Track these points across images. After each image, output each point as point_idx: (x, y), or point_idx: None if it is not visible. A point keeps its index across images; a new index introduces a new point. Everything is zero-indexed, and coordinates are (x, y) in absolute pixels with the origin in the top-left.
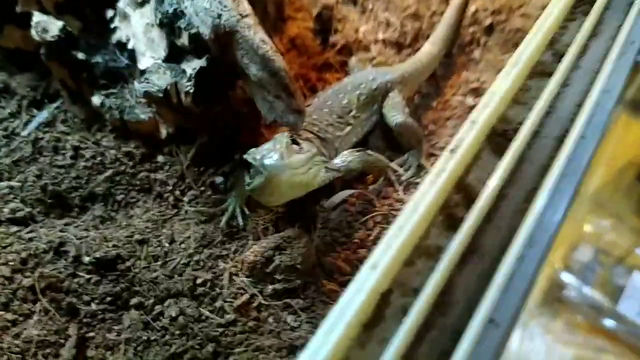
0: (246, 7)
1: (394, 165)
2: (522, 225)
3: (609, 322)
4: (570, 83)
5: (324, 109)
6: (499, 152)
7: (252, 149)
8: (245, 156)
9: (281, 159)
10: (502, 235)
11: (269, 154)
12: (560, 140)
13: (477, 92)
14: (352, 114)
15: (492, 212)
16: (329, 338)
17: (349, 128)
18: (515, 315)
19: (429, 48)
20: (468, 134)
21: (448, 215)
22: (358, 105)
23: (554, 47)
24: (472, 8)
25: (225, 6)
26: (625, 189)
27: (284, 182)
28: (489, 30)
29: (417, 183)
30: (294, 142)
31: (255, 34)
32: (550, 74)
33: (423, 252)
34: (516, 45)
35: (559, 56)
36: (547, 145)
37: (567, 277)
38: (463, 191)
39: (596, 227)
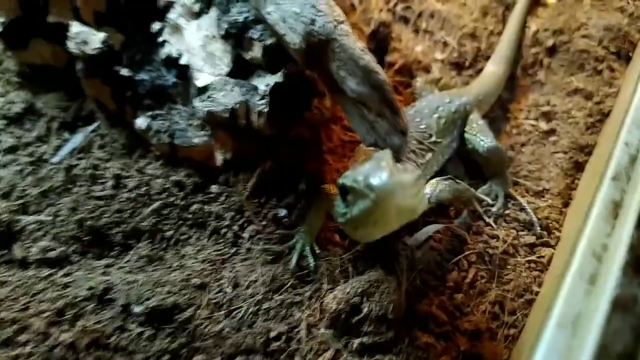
0: (340, 13)
1: (481, 195)
2: None
3: None
4: None
5: None
6: None
7: (347, 172)
8: (341, 180)
9: (391, 178)
10: None
11: (375, 173)
12: None
13: (549, 116)
14: (432, 139)
15: None
16: None
17: (430, 155)
18: None
19: (493, 69)
20: (626, 159)
21: (637, 259)
22: (438, 130)
23: None
24: (532, 28)
25: (319, 11)
26: None
27: (394, 206)
28: (552, 51)
29: (508, 215)
30: (397, 160)
31: (354, 42)
32: None
33: (618, 306)
34: (582, 67)
35: None
36: None
37: None
38: None
39: None
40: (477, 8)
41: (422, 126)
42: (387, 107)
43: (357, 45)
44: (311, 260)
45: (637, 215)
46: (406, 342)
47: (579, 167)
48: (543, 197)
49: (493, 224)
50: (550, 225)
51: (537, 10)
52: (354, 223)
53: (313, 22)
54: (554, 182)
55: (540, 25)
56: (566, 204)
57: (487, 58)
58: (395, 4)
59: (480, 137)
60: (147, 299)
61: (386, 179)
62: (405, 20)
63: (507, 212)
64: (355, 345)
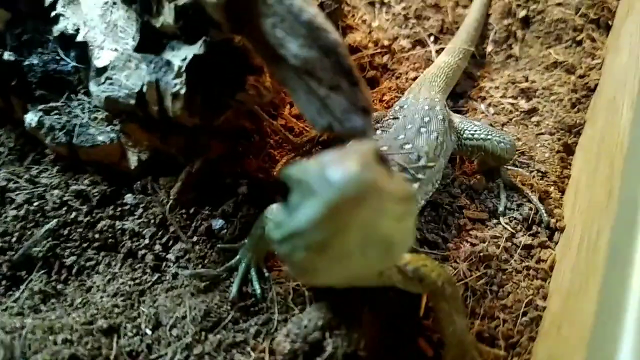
0: None
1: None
2: None
3: None
4: None
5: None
6: None
7: (294, 165)
8: (285, 172)
9: (368, 171)
10: None
11: (342, 161)
12: None
13: (528, 94)
14: (420, 162)
15: None
16: None
17: (424, 175)
18: None
19: (446, 59)
20: None
21: None
22: (429, 149)
23: None
24: None
25: None
26: None
27: (367, 222)
28: (526, 22)
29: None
30: (382, 158)
31: None
32: None
33: None
34: (559, 38)
35: None
36: None
37: None
38: None
39: None
40: None
41: (408, 147)
42: (343, 77)
43: None
44: (257, 286)
45: None
46: None
47: (569, 149)
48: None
49: (508, 227)
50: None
51: None
52: (294, 245)
53: None
54: (549, 166)
55: None
56: (563, 191)
57: (453, 33)
58: None
59: (494, 137)
60: (35, 352)
61: (358, 171)
62: None
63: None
64: None
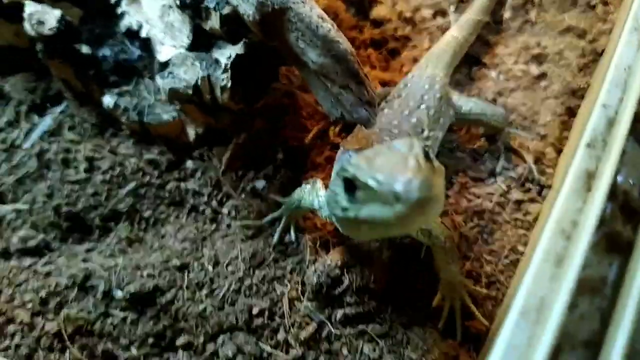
0: None
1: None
2: None
3: None
4: None
5: (393, 130)
6: None
7: (356, 160)
8: (351, 171)
9: (425, 186)
10: None
11: (403, 175)
12: None
13: (540, 59)
14: (425, 134)
15: None
16: None
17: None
18: None
19: (455, 33)
20: (603, 123)
21: (607, 236)
22: (429, 122)
23: None
24: None
25: None
26: None
27: (422, 217)
28: None
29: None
30: (426, 154)
31: (311, 9)
32: None
33: (586, 287)
34: (574, 2)
35: None
36: None
37: None
38: (618, 199)
39: None
40: None
41: (413, 120)
42: (351, 79)
43: (314, 13)
44: (293, 235)
45: (610, 186)
46: (389, 311)
47: (572, 112)
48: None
49: (502, 185)
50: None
51: None
52: (357, 223)
53: None
54: (550, 129)
55: None
56: (560, 152)
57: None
58: None
59: (489, 112)
60: (128, 284)
61: (419, 188)
62: None
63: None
64: (338, 317)
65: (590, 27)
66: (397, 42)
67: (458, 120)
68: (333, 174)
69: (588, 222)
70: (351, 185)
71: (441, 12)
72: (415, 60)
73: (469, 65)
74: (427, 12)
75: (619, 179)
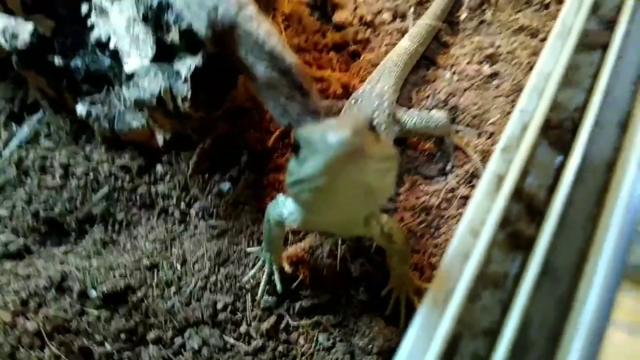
0: None
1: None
2: (597, 237)
3: None
4: (623, 55)
5: None
6: (558, 147)
7: (306, 127)
8: (297, 133)
9: (358, 136)
10: (575, 248)
11: (340, 126)
12: (624, 127)
13: (493, 59)
14: None
15: (561, 224)
16: None
17: None
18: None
19: (407, 44)
20: (519, 128)
21: (511, 234)
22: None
23: (599, 13)
24: None
25: None
26: None
27: (355, 175)
28: None
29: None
30: (372, 127)
31: (258, 26)
32: (599, 46)
33: (489, 282)
34: (529, 1)
35: (606, 23)
36: (608, 134)
37: None
38: (523, 201)
39: None
40: None
41: None
42: (296, 91)
43: (262, 30)
44: (279, 285)
45: (516, 189)
46: (343, 302)
47: None
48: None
49: (451, 182)
50: None
51: None
52: (302, 190)
53: (215, 9)
54: (497, 127)
55: None
56: None
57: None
58: None
59: (432, 123)
60: (102, 283)
61: (351, 134)
62: None
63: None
64: (296, 309)
65: (543, 25)
66: (357, 45)
67: (404, 134)
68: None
69: (493, 221)
70: (296, 148)
71: (400, 15)
72: (373, 63)
73: (425, 66)
74: (386, 15)
75: (528, 181)
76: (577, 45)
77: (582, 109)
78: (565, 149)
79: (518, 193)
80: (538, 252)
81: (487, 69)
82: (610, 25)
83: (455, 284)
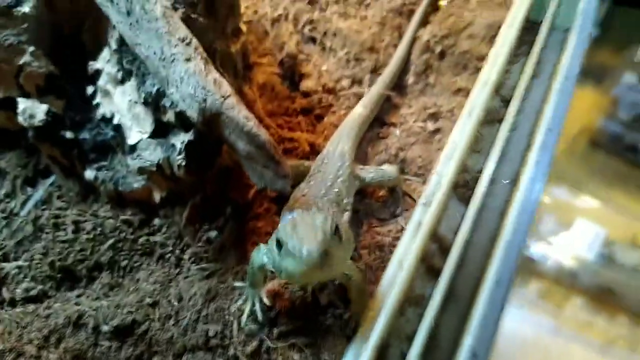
0: (227, 88)
1: None
2: (490, 268)
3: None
4: (517, 127)
5: (324, 197)
6: (464, 201)
7: (284, 224)
8: (279, 234)
9: (322, 252)
10: (474, 276)
11: (309, 242)
12: (514, 183)
13: (435, 117)
14: (344, 200)
15: (464, 258)
16: None
17: (347, 214)
18: (491, 346)
19: (360, 111)
20: (436, 189)
21: (428, 266)
22: (347, 192)
23: (501, 93)
24: (424, 38)
25: (208, 91)
26: (580, 156)
27: (322, 274)
28: (441, 55)
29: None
30: (336, 228)
31: (239, 112)
32: (499, 120)
33: (412, 301)
34: (465, 67)
35: (506, 101)
36: (503, 190)
37: (534, 248)
38: (438, 241)
39: (553, 196)
40: (375, 22)
41: (336, 190)
42: (270, 161)
43: (241, 115)
44: (260, 315)
45: (430, 232)
46: (313, 326)
47: None
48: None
49: (400, 223)
50: None
51: (430, 16)
52: (284, 273)
53: (204, 100)
54: None
55: (429, 33)
56: None
57: (384, 68)
58: (303, 26)
59: (385, 176)
60: (112, 319)
61: (315, 256)
62: (313, 40)
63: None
64: (274, 334)
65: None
66: (321, 109)
67: (362, 186)
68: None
69: (413, 257)
70: (279, 243)
71: (357, 81)
72: (335, 124)
73: (379, 125)
74: (345, 83)
75: (441, 227)
76: (482, 120)
77: (482, 170)
78: (468, 201)
79: (433, 236)
80: (445, 279)
81: (430, 126)
82: (508, 102)
83: (386, 303)
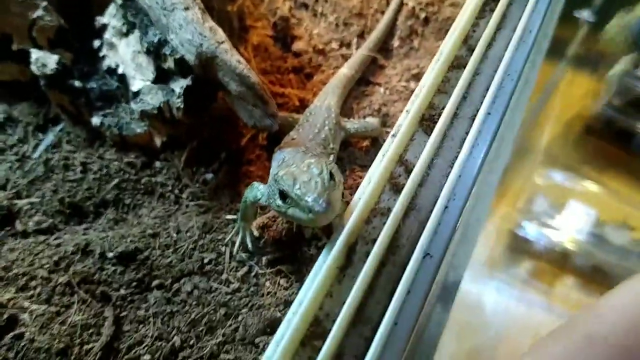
0: (222, 35)
1: None
2: (446, 185)
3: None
4: (480, 72)
5: (312, 141)
6: (429, 132)
7: (284, 174)
8: (282, 185)
9: (328, 203)
10: (433, 194)
11: (314, 193)
12: (473, 119)
13: (418, 77)
14: (330, 145)
15: (425, 178)
16: (316, 279)
17: (332, 157)
18: (445, 249)
19: (346, 71)
20: (404, 121)
21: (393, 184)
22: (332, 139)
23: (468, 43)
24: (410, 4)
25: (205, 36)
26: (574, 141)
27: (326, 220)
28: (425, 21)
29: None
30: (331, 174)
31: (232, 56)
32: (465, 66)
33: (378, 212)
34: (447, 32)
35: (472, 50)
36: (463, 123)
37: (527, 228)
38: (403, 165)
39: (547, 178)
40: None
41: (323, 136)
42: (258, 100)
43: (234, 59)
44: (250, 245)
45: (397, 157)
46: (298, 256)
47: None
48: None
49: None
50: None
51: None
52: (285, 216)
53: (201, 45)
54: None
55: (415, 0)
56: None
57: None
58: None
59: (369, 128)
60: (117, 247)
61: (321, 204)
62: (305, 6)
63: None
64: (263, 262)
65: None
66: (311, 69)
67: (348, 137)
68: (272, 168)
69: (379, 174)
70: (282, 194)
71: (346, 44)
72: (323, 82)
73: (365, 84)
74: (334, 45)
75: (408, 154)
76: (449, 65)
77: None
78: (431, 132)
79: (399, 160)
80: (406, 193)
81: (413, 85)
82: (474, 51)
83: (355, 212)
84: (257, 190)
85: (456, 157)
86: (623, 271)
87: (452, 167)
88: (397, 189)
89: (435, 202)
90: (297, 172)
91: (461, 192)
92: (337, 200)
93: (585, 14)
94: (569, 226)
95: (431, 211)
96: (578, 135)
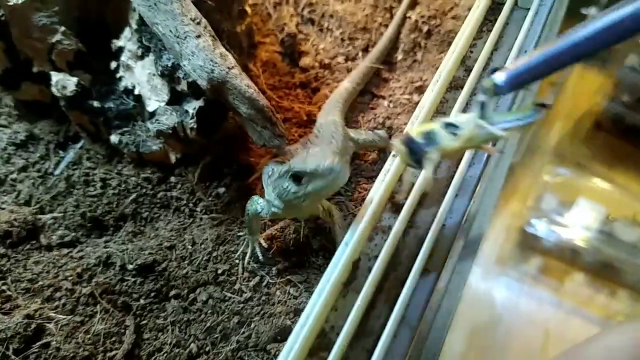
0: (232, 61)
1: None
2: (443, 204)
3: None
4: (477, 92)
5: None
6: None
7: (293, 162)
8: (295, 167)
9: (341, 161)
10: (431, 212)
11: (328, 158)
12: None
13: (421, 90)
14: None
15: (423, 196)
16: (322, 293)
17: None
18: (442, 264)
19: (347, 85)
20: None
21: (394, 203)
22: (343, 148)
23: (466, 64)
24: (413, 18)
25: (216, 63)
26: (583, 138)
27: (342, 179)
28: (428, 34)
29: None
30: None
31: (241, 81)
32: (462, 87)
33: (379, 230)
34: (449, 44)
35: (469, 71)
36: None
37: (537, 226)
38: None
39: (556, 175)
40: (368, 4)
41: (333, 142)
42: (267, 122)
43: (243, 83)
44: (260, 255)
45: (396, 174)
46: (306, 266)
47: None
48: None
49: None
50: None
51: None
52: (301, 200)
53: (212, 71)
54: None
55: (418, 14)
56: None
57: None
58: (303, 9)
59: (376, 138)
60: (136, 259)
61: (337, 165)
62: (312, 21)
63: None
64: (273, 271)
65: None
66: (318, 83)
67: (357, 148)
68: (263, 180)
69: (380, 194)
70: (296, 177)
71: (351, 58)
72: (329, 96)
73: (369, 96)
74: (340, 59)
75: (407, 174)
76: (447, 86)
77: None
78: None
79: (400, 180)
80: (405, 212)
81: (416, 98)
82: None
83: (357, 229)
84: (257, 204)
85: (453, 176)
86: (633, 267)
87: (448, 187)
88: (397, 207)
89: (432, 222)
90: (303, 155)
91: (459, 209)
92: (345, 164)
93: (592, 11)
94: (579, 223)
95: (427, 228)
96: (587, 132)
